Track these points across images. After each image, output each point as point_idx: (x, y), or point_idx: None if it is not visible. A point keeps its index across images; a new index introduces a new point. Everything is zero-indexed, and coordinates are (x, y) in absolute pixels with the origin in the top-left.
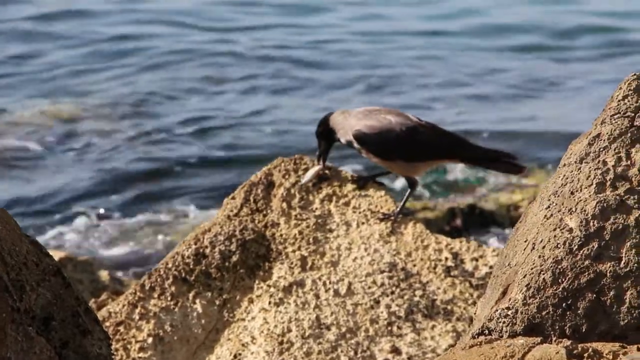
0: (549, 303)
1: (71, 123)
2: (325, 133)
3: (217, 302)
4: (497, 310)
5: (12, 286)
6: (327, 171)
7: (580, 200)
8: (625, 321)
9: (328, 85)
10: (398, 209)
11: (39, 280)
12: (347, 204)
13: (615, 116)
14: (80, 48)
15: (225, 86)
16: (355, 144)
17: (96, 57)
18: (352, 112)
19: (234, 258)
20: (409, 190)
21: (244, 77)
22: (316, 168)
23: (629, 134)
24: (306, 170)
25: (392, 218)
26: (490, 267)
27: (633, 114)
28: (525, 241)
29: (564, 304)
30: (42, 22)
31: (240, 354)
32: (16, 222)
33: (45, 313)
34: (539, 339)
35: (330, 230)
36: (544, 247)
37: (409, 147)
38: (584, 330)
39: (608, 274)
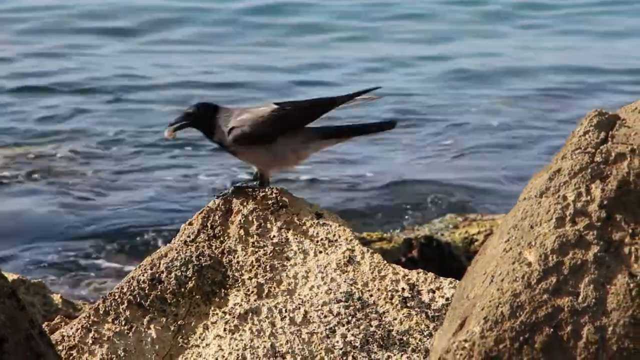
0: (507, 336)
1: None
2: (204, 121)
3: (172, 328)
4: (454, 342)
5: None
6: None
7: (540, 235)
8: (582, 356)
9: None
10: (235, 186)
11: None
12: (304, 232)
13: (576, 151)
14: None
15: None
16: (232, 143)
17: None
18: (232, 111)
19: (190, 284)
20: (257, 182)
21: None
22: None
23: (589, 170)
24: (264, 198)
25: (225, 192)
26: (447, 299)
27: (594, 150)
28: (484, 274)
29: (521, 338)
30: None
31: None
32: None
33: None
34: None
35: (288, 258)
36: (502, 280)
37: (282, 123)
38: None
39: (566, 309)
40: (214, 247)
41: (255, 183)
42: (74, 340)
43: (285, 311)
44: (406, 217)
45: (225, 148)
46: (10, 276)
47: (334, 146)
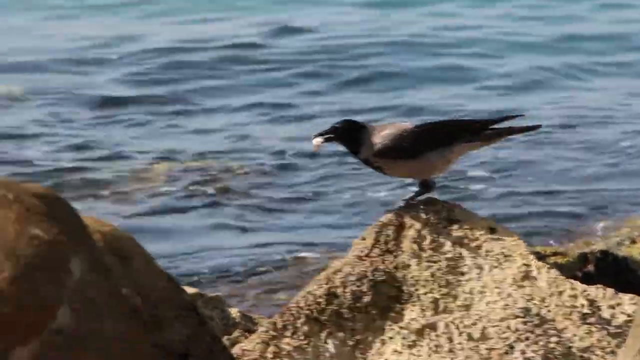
0: None
1: None
2: (349, 137)
3: (350, 343)
4: None
5: (150, 322)
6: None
7: None
8: None
9: None
10: (407, 198)
11: (175, 316)
12: (478, 247)
13: None
14: None
15: None
16: (378, 159)
17: None
18: (375, 127)
19: (366, 299)
20: (422, 190)
21: None
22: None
23: None
24: (436, 212)
25: (402, 204)
26: (629, 315)
27: None
28: None
29: None
30: None
31: None
32: (153, 257)
33: (183, 349)
34: None
35: (462, 274)
36: None
37: (426, 139)
38: None
39: None
40: (387, 262)
41: (422, 192)
42: (255, 354)
43: (463, 327)
44: (580, 229)
45: (371, 165)
46: (188, 290)
47: (478, 149)
